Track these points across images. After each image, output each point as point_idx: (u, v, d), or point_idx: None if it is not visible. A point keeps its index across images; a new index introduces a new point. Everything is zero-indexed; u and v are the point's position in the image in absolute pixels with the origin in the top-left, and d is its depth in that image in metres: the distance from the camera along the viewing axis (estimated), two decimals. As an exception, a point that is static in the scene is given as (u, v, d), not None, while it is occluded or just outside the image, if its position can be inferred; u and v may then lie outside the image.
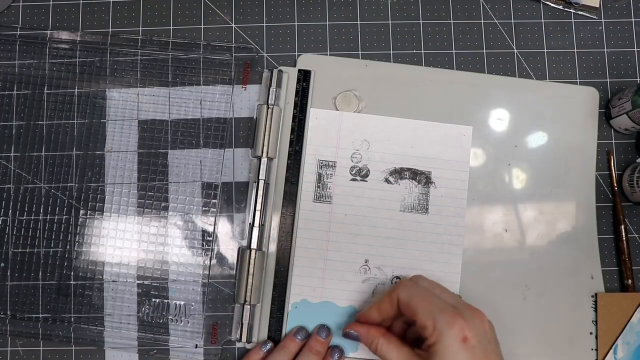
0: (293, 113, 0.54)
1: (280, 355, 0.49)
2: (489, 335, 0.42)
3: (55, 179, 0.53)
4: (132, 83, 0.55)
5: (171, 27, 0.56)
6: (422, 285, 0.46)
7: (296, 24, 0.56)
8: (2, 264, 0.53)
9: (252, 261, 0.51)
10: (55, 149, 0.54)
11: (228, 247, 0.53)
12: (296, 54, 0.56)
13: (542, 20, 0.56)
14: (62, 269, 0.52)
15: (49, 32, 0.55)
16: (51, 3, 0.56)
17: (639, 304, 0.51)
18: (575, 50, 0.56)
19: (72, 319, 0.52)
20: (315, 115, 0.54)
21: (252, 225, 0.52)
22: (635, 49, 0.56)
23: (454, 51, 0.56)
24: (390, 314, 0.45)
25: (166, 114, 0.54)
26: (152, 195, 0.53)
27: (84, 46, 0.55)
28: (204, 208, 0.53)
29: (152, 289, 0.52)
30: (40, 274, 0.52)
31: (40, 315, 0.52)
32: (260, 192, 0.52)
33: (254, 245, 0.51)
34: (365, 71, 0.55)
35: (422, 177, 0.53)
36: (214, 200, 0.53)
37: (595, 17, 0.56)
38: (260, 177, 0.52)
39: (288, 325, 0.51)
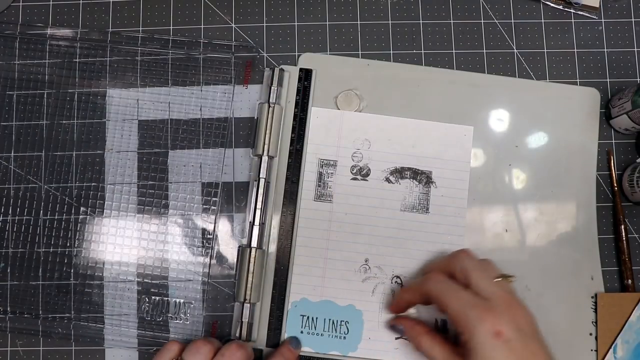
0: (294, 112, 0.54)
1: None
2: (527, 326, 0.41)
3: (55, 179, 0.53)
4: (132, 83, 0.55)
5: (171, 27, 0.56)
6: (463, 265, 0.45)
7: (296, 24, 0.56)
8: (2, 264, 0.52)
9: (252, 260, 0.51)
10: (55, 149, 0.54)
11: (228, 246, 0.53)
12: (296, 54, 0.56)
13: (542, 20, 0.56)
14: (62, 269, 0.52)
15: (49, 31, 0.55)
16: (51, 3, 0.56)
17: (637, 302, 0.51)
18: (575, 50, 0.56)
19: (72, 316, 0.52)
20: (316, 114, 0.54)
21: (252, 224, 0.52)
22: (635, 49, 0.56)
23: (454, 51, 0.56)
24: (421, 302, 0.47)
25: (166, 114, 0.54)
26: (152, 195, 0.53)
27: (84, 46, 0.55)
28: (204, 207, 0.53)
29: (152, 287, 0.52)
30: (40, 273, 0.52)
31: (40, 313, 0.52)
32: (260, 191, 0.52)
33: (254, 243, 0.51)
34: (366, 71, 0.55)
35: (422, 177, 0.53)
36: (214, 199, 0.53)
37: (595, 17, 0.57)
38: (260, 176, 0.52)
39: (288, 324, 0.51)
